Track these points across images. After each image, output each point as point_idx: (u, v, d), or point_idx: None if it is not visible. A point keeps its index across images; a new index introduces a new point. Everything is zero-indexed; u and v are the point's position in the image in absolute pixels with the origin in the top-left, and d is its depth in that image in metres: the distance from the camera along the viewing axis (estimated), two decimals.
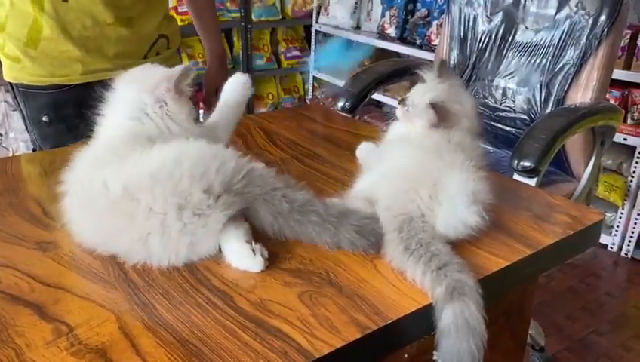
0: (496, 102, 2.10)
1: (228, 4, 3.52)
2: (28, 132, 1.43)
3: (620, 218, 2.58)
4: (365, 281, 0.72)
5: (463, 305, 0.67)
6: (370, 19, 3.56)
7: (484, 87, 2.13)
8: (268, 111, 1.38)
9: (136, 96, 0.85)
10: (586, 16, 1.84)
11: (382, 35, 3.39)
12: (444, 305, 0.68)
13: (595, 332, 2.07)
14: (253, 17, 3.62)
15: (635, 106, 2.51)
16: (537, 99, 1.98)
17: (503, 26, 2.08)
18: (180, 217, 0.72)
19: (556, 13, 1.94)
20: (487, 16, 2.13)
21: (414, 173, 0.83)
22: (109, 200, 0.74)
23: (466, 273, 0.70)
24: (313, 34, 3.89)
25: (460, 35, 2.19)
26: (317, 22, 3.83)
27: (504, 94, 2.08)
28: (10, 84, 1.36)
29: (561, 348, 1.98)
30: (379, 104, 3.67)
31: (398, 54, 3.35)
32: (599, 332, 2.08)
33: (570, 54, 1.88)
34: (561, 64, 1.91)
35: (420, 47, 3.13)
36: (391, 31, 3.33)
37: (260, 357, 0.59)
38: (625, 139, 2.49)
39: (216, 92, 1.56)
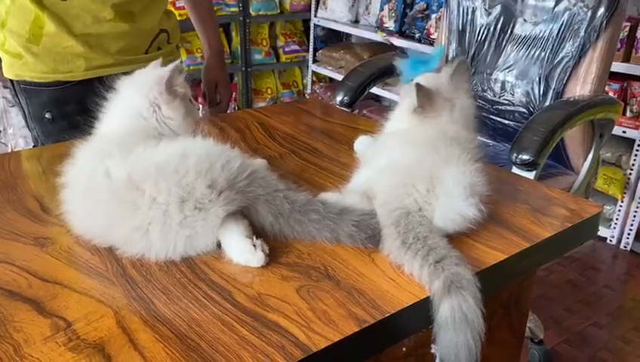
0: (494, 96, 2.09)
1: None
2: (29, 129, 1.43)
3: (619, 211, 2.58)
4: (363, 275, 0.72)
5: (460, 299, 0.67)
6: (368, 13, 3.55)
7: (483, 81, 2.13)
8: (266, 106, 1.38)
9: (132, 100, 0.87)
10: (585, 9, 1.84)
11: (380, 28, 3.38)
12: (441, 299, 0.68)
13: (594, 325, 2.08)
14: (251, 11, 3.61)
15: (634, 99, 2.51)
16: (536, 92, 1.98)
17: (501, 19, 2.08)
18: (181, 209, 0.72)
19: (555, 6, 1.93)
20: (485, 9, 2.12)
21: (411, 168, 0.83)
22: (112, 189, 0.75)
23: (464, 266, 0.71)
24: (312, 28, 3.88)
25: (459, 28, 2.19)
26: (315, 16, 3.82)
27: (503, 87, 2.07)
28: (12, 81, 1.36)
29: (560, 341, 1.99)
30: (378, 98, 3.67)
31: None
32: (598, 324, 2.08)
33: (569, 47, 1.87)
34: (559, 57, 1.91)
35: (419, 41, 3.13)
36: (389, 24, 3.33)
37: (257, 352, 0.59)
38: (624, 131, 2.49)
39: (215, 87, 1.56)
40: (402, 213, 0.78)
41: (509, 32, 2.08)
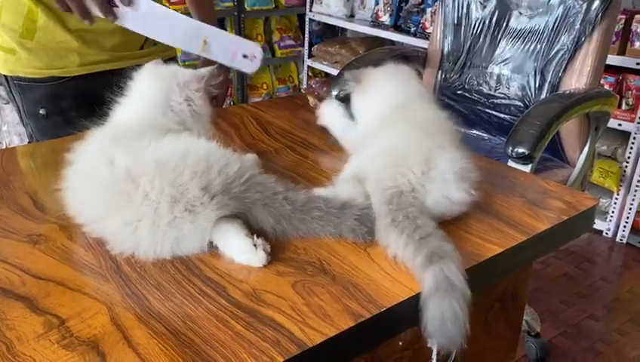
0: (490, 89, 2.09)
1: None
2: (24, 125, 1.41)
3: (615, 204, 2.59)
4: (359, 270, 0.72)
5: (442, 265, 0.67)
6: (364, 8, 3.54)
7: (479, 74, 2.12)
8: (262, 101, 1.37)
9: (164, 89, 0.88)
10: (580, 1, 1.84)
11: (376, 23, 3.37)
12: (424, 271, 0.67)
13: (591, 318, 2.09)
14: (246, 6, 3.60)
15: (630, 92, 2.51)
16: (531, 85, 1.97)
17: (496, 13, 2.07)
18: (172, 210, 0.71)
19: None
20: (480, 3, 2.12)
21: (405, 149, 0.83)
22: (111, 178, 0.75)
23: (447, 241, 0.71)
24: (307, 23, 3.86)
25: (454, 22, 2.18)
26: (310, 10, 3.81)
27: (498, 81, 2.07)
28: (5, 76, 1.34)
29: (557, 334, 1.99)
30: None
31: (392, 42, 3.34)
32: (594, 317, 2.09)
33: (565, 40, 1.87)
34: (555, 50, 1.91)
35: (415, 35, 3.12)
36: (385, 19, 3.32)
37: (252, 347, 0.59)
38: (619, 124, 2.49)
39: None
40: (395, 192, 0.78)
41: (504, 25, 2.07)
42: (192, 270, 0.72)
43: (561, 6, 1.89)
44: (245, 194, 0.74)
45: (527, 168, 1.60)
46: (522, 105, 1.99)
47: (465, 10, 2.16)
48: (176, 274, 0.71)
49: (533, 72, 1.97)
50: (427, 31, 3.06)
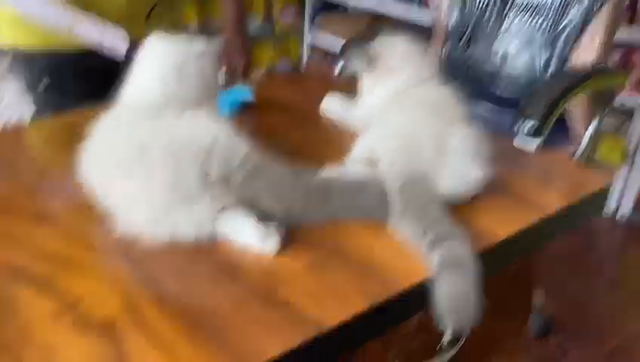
0: (496, 65, 2.06)
1: None
2: (25, 99, 1.39)
3: (618, 180, 2.58)
4: (373, 249, 0.71)
5: (449, 245, 0.66)
6: None
7: (485, 50, 2.09)
8: (264, 77, 1.35)
9: (175, 59, 0.85)
10: None
11: None
12: (431, 252, 0.67)
13: (592, 294, 2.10)
14: None
15: (636, 68, 2.48)
16: (538, 61, 1.95)
17: None
18: (168, 196, 0.70)
19: None
20: None
21: (416, 131, 0.82)
22: (126, 149, 0.74)
23: (455, 227, 0.70)
24: None
25: None
26: None
27: (504, 57, 2.04)
28: (6, 48, 1.32)
29: (559, 310, 2.00)
30: None
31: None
32: (596, 294, 2.10)
33: (573, 14, 1.84)
34: (563, 24, 1.87)
35: (419, 3, 3.09)
36: None
37: (269, 330, 0.58)
38: (624, 102, 2.47)
39: (228, 55, 1.50)
40: (407, 179, 0.77)
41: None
42: (205, 250, 0.71)
43: None
44: (250, 183, 0.71)
45: (535, 143, 1.58)
46: (529, 81, 1.97)
47: None
48: (190, 254, 0.70)
49: (540, 48, 1.94)
50: (431, 4, 3.01)
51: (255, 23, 3.41)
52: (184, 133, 0.75)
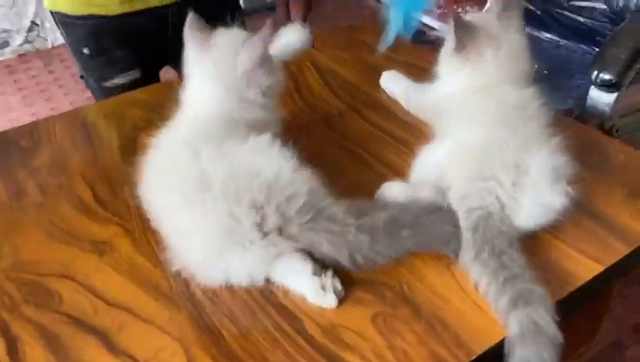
0: None
1: None
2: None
3: None
4: (444, 298, 0.66)
5: (529, 310, 0.61)
6: None
7: None
8: (317, 32, 1.24)
9: (231, 82, 0.79)
10: None
11: None
12: (508, 316, 0.62)
13: None
14: None
15: None
16: None
17: None
18: (222, 238, 0.66)
19: None
20: None
21: (489, 154, 0.74)
22: (188, 173, 0.70)
23: (535, 284, 0.64)
24: None
25: None
26: None
27: None
28: (51, 12, 1.28)
29: None
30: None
31: None
32: None
33: None
34: None
35: None
36: None
37: None
38: None
39: (286, 4, 1.40)
40: (482, 214, 0.70)
41: None
42: (265, 295, 0.68)
43: None
44: (309, 231, 0.66)
45: (611, 97, 1.44)
46: (607, 9, 1.76)
47: None
48: (249, 300, 0.68)
49: None
50: None
51: None
52: (246, 166, 0.70)
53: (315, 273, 0.66)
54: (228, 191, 0.67)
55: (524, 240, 0.71)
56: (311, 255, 0.68)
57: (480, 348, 0.61)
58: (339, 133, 0.96)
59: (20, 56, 3.27)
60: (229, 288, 0.69)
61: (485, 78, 0.81)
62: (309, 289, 0.66)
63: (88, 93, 1.39)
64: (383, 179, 0.83)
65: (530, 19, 1.98)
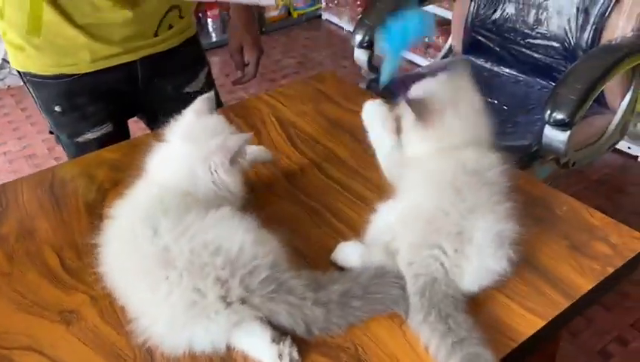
0: (527, 27, 1.93)
1: None
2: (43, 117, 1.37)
3: None
4: (397, 359, 0.70)
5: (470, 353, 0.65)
6: None
7: (516, 9, 1.95)
8: (280, 89, 1.29)
9: (188, 159, 0.84)
10: None
11: None
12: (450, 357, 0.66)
13: None
14: None
15: None
16: (573, 25, 1.81)
17: None
18: (187, 311, 0.69)
19: None
20: None
21: (435, 220, 0.77)
22: (150, 250, 0.73)
23: (483, 347, 0.68)
24: None
25: None
26: None
27: (537, 18, 1.90)
28: (19, 72, 1.29)
29: None
30: None
31: None
32: None
33: None
34: None
35: None
36: None
37: None
38: None
39: (242, 50, 1.43)
40: (427, 280, 0.74)
41: None
42: (225, 360, 0.71)
43: None
44: (269, 302, 0.70)
45: (565, 135, 1.51)
46: (561, 47, 1.84)
47: None
48: None
49: (575, 11, 1.80)
50: None
51: None
52: (208, 241, 0.73)
53: (273, 340, 0.69)
54: (192, 267, 0.71)
55: (470, 295, 0.75)
56: (271, 322, 0.72)
57: None
58: (300, 189, 1.00)
59: None
60: (192, 355, 0.72)
61: (447, 140, 0.85)
62: (268, 356, 0.69)
63: None
64: (339, 235, 0.88)
65: (491, 55, 2.07)
